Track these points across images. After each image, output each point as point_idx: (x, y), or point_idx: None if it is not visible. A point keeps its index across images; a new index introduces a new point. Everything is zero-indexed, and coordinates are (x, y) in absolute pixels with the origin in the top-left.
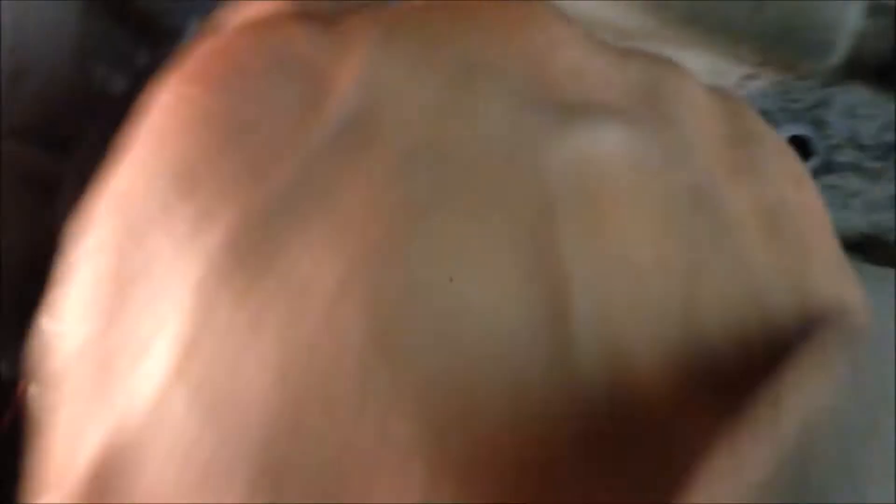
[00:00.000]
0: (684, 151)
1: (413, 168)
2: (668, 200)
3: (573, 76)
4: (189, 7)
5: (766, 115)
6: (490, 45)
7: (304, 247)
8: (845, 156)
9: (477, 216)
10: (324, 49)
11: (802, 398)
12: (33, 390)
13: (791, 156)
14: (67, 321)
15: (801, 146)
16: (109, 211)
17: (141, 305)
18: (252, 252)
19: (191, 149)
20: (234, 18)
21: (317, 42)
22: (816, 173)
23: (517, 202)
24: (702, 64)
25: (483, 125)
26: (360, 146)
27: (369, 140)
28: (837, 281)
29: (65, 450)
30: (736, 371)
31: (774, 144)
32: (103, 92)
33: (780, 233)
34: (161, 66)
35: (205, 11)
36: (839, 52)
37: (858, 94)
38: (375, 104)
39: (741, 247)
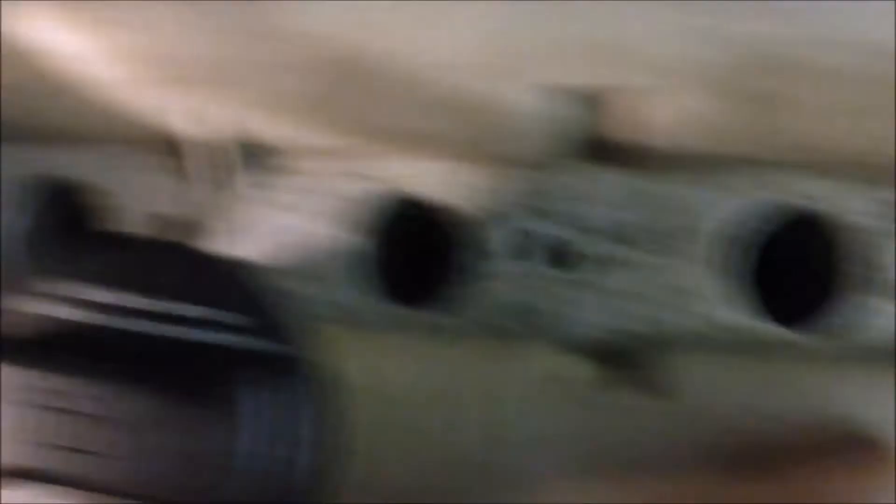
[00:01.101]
0: None
1: None
2: None
3: None
4: None
5: (482, 210)
6: None
7: None
8: (611, 251)
9: None
10: None
11: None
12: None
13: None
14: None
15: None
16: None
17: None
18: None
19: None
20: None
21: None
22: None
23: None
24: (408, 167)
25: None
26: None
27: None
28: None
29: None
30: None
31: None
32: None
33: None
34: None
35: None
36: (551, 138)
37: (578, 175)
38: None
39: None
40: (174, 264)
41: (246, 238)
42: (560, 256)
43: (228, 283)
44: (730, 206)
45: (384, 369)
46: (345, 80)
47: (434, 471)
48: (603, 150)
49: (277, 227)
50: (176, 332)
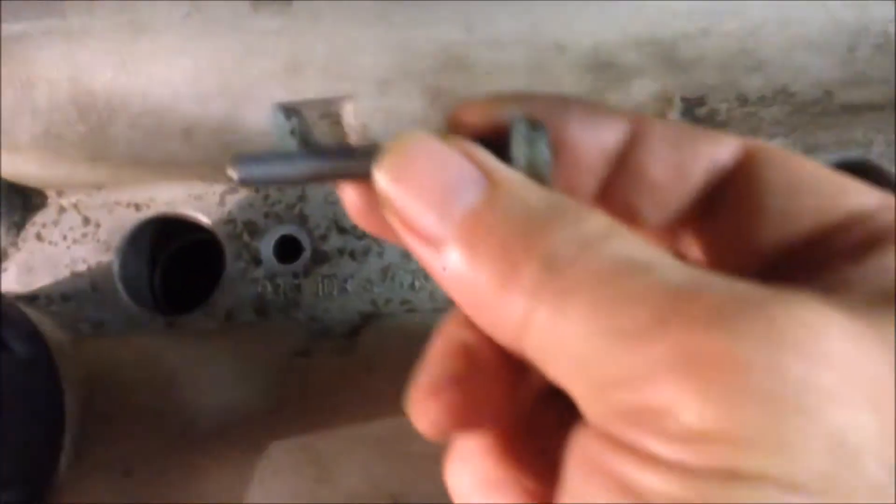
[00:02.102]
0: None
1: None
2: None
3: None
4: None
5: (253, 224)
6: None
7: None
8: (332, 243)
9: None
10: None
11: None
12: None
13: None
14: None
15: (292, 246)
16: None
17: None
18: None
19: None
20: None
21: None
22: (309, 268)
23: None
24: (180, 193)
25: None
26: None
27: None
28: None
29: None
30: None
31: None
32: None
33: None
34: None
35: None
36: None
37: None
38: None
39: None
40: None
41: (32, 274)
42: (318, 254)
43: None
44: None
45: (145, 364)
46: (87, 117)
47: (172, 446)
48: None
49: (57, 260)
50: None
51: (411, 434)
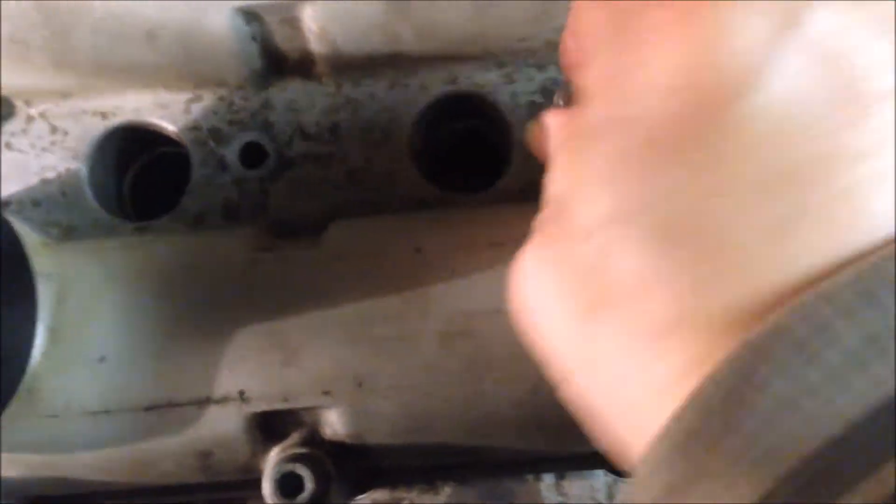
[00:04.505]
0: None
1: None
2: None
3: None
4: None
5: (218, 131)
6: None
7: None
8: (297, 149)
9: None
10: None
11: None
12: None
13: None
14: None
15: (256, 152)
16: None
17: None
18: None
19: None
20: None
21: None
22: (275, 173)
23: None
24: (146, 101)
25: None
26: None
27: None
28: None
29: None
30: None
31: None
32: None
33: None
34: None
35: None
36: (252, 57)
37: (294, 89)
38: None
39: None
40: None
41: (2, 181)
42: (283, 159)
43: None
44: (422, 99)
45: (116, 262)
46: (51, 21)
47: (144, 335)
48: (310, 63)
49: (27, 167)
50: None
51: (374, 318)
